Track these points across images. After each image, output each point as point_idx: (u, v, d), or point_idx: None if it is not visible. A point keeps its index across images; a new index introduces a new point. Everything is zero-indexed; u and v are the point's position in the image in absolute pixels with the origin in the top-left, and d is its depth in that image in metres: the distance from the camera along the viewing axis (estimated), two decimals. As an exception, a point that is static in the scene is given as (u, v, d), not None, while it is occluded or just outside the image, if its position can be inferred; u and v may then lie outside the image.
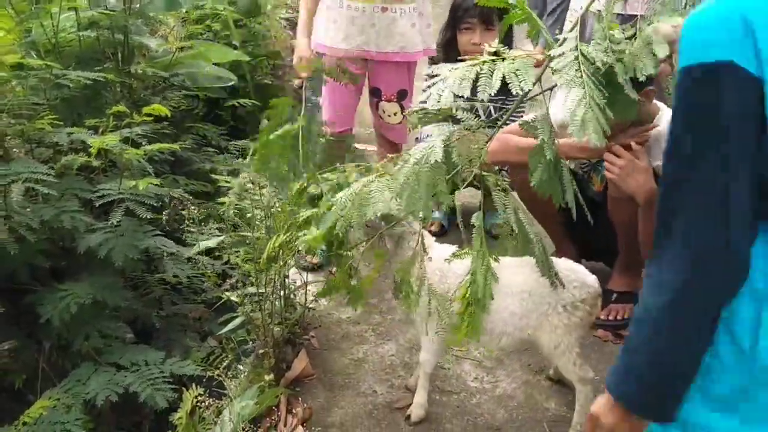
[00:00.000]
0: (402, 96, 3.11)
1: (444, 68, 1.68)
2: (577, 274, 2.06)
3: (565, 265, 2.08)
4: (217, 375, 2.57)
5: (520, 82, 1.54)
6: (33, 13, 3.36)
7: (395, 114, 3.14)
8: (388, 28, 2.91)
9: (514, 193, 2.51)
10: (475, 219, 1.70)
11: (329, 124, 3.09)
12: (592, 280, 2.08)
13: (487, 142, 1.76)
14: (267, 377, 2.46)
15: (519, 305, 2.03)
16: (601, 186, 2.58)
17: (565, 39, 1.58)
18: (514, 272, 1.99)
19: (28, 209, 2.50)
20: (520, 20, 1.71)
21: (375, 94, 3.13)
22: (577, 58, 1.51)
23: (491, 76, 1.57)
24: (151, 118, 2.83)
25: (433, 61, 3.13)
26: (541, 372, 2.44)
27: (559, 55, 1.53)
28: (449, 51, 3.09)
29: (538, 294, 2.01)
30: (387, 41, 2.94)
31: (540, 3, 4.01)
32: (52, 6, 3.19)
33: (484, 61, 1.62)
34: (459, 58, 3.01)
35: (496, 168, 2.62)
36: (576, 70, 1.48)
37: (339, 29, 2.92)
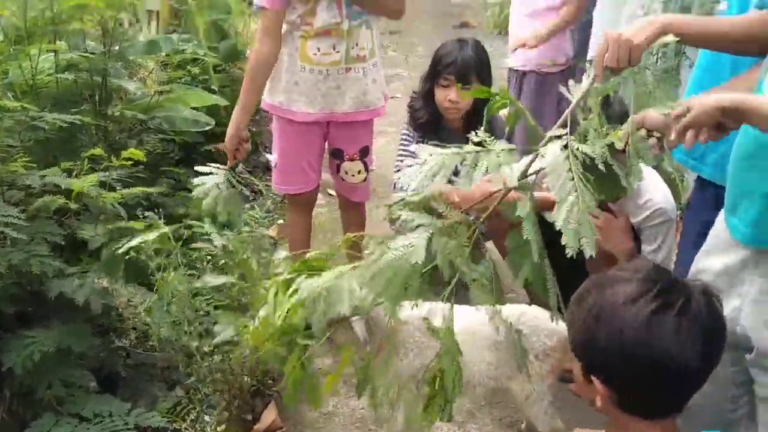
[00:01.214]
0: (364, 153, 3.08)
1: (425, 151, 1.67)
2: (547, 322, 2.06)
3: (535, 313, 2.09)
4: (184, 428, 2.52)
5: (510, 176, 1.56)
6: (11, 54, 3.35)
7: (359, 173, 3.09)
8: (353, 88, 2.89)
9: (490, 243, 2.53)
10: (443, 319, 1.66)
11: (291, 181, 3.05)
12: (562, 327, 2.08)
13: (469, 238, 1.71)
14: (234, 430, 2.42)
15: (493, 355, 2.03)
16: None
17: (556, 137, 1.60)
18: (487, 323, 1.98)
19: (-4, 253, 2.46)
20: (501, 106, 1.74)
21: (336, 155, 3.08)
22: (567, 157, 1.52)
23: (474, 167, 1.57)
24: (129, 162, 2.82)
25: (412, 107, 3.15)
26: (513, 426, 2.43)
27: (551, 155, 1.55)
28: (428, 101, 3.12)
29: (510, 344, 2.00)
30: (352, 101, 2.91)
31: None
32: (32, 48, 3.18)
33: (468, 152, 1.62)
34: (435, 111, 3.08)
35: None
36: (568, 170, 1.49)
37: (301, 93, 2.87)
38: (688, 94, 2.10)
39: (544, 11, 4.01)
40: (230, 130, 2.84)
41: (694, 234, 2.07)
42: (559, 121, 1.65)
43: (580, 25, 4.95)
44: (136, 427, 2.37)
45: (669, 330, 1.24)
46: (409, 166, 1.63)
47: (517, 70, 4.14)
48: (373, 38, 2.91)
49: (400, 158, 3.21)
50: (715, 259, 1.65)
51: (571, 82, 1.90)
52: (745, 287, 1.57)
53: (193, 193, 2.54)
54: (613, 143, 1.60)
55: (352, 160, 3.04)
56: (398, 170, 3.21)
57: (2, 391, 2.54)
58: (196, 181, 2.56)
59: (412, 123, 3.18)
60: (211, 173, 2.54)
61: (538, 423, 2.09)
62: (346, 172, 3.07)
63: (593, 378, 1.33)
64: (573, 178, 1.49)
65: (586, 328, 1.34)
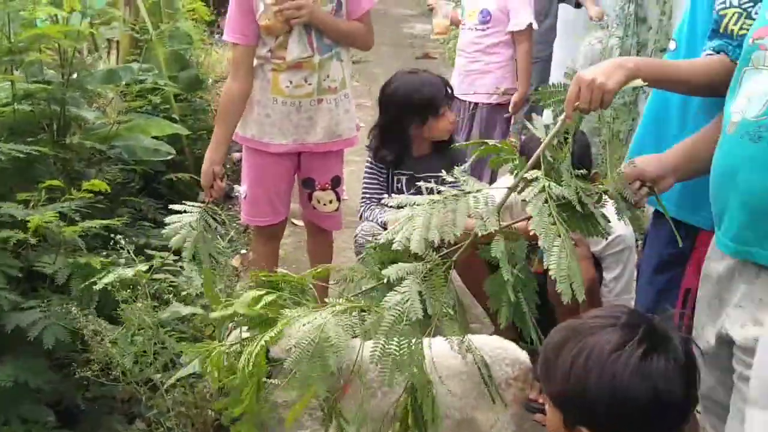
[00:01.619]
0: (336, 183, 3.11)
1: (408, 204, 1.68)
2: (508, 351, 2.09)
3: (496, 344, 2.11)
4: (146, 462, 2.46)
5: (485, 221, 1.58)
6: (-33, 83, 3.30)
7: (330, 202, 3.11)
8: (325, 119, 2.91)
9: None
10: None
11: (260, 213, 3.04)
12: (523, 356, 2.11)
13: (445, 275, 1.70)
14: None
15: (459, 386, 2.03)
16: (539, 267, 2.64)
17: (534, 178, 1.65)
18: (451, 354, 1.98)
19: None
20: (504, 161, 1.80)
21: (307, 185, 3.09)
22: (546, 201, 1.56)
23: (455, 213, 1.60)
24: (90, 194, 2.78)
25: (376, 148, 3.18)
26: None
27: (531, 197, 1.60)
28: (395, 139, 3.14)
29: (474, 373, 2.00)
30: (324, 132, 2.93)
31: None
32: (-10, 77, 3.14)
33: (447, 198, 1.64)
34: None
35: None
36: (548, 215, 1.53)
37: (273, 125, 2.89)
38: (643, 126, 2.17)
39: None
40: (204, 167, 2.86)
41: (650, 270, 2.13)
42: (532, 161, 1.71)
43: (541, 57, 5.13)
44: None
45: (659, 372, 1.28)
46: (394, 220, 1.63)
47: (468, 101, 4.34)
48: (344, 70, 2.94)
49: (366, 188, 3.23)
50: (714, 264, 1.72)
51: (535, 116, 1.95)
52: (731, 293, 1.64)
53: (164, 231, 2.45)
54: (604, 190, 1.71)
55: (323, 189, 3.06)
56: (363, 200, 3.23)
57: (-45, 429, 2.46)
58: (168, 219, 2.46)
59: (377, 159, 3.21)
60: (185, 211, 2.45)
61: None
62: (318, 201, 3.08)
63: (581, 429, 1.34)
64: (554, 222, 1.52)
65: (572, 378, 1.34)
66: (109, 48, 5.02)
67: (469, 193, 1.65)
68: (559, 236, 1.51)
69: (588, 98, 1.66)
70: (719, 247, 1.68)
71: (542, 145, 1.71)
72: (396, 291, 1.57)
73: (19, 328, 2.46)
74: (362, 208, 3.19)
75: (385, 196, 3.11)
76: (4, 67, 3.32)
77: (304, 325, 1.57)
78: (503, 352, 2.07)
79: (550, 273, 1.51)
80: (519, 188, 1.69)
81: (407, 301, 1.54)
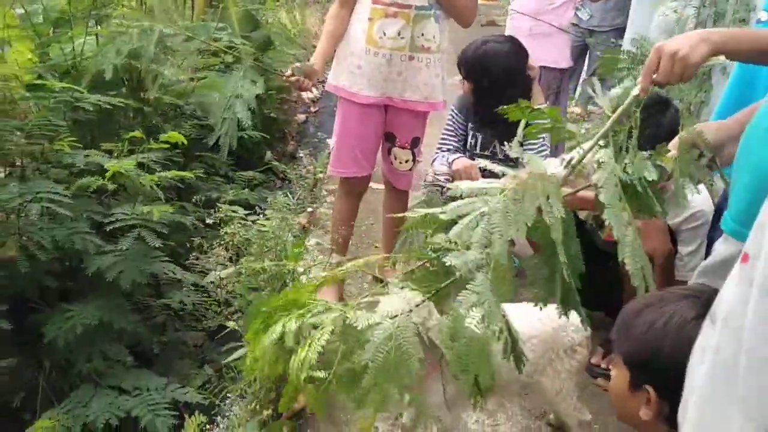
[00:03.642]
0: (415, 143, 3.14)
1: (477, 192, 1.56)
2: (572, 319, 2.08)
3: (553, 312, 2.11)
4: (217, 404, 2.58)
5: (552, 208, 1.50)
6: (53, 37, 3.42)
7: (406, 161, 3.16)
8: (414, 77, 2.93)
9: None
10: None
11: (346, 165, 3.10)
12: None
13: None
14: (266, 412, 2.46)
15: (529, 351, 2.05)
16: (609, 235, 2.63)
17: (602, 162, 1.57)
18: (521, 320, 2.01)
19: (41, 229, 2.52)
20: (544, 130, 1.74)
21: (389, 139, 3.15)
22: (616, 184, 1.51)
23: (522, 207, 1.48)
24: (167, 145, 2.88)
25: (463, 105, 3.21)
26: (542, 417, 2.46)
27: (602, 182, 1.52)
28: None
29: (543, 340, 2.04)
30: (412, 90, 2.96)
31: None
32: (76, 31, 3.25)
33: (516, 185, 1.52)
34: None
35: None
36: (619, 200, 1.49)
37: (363, 75, 2.93)
38: (725, 101, 2.11)
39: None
40: (306, 65, 2.97)
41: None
42: (600, 134, 1.61)
43: (614, 25, 5.03)
44: (172, 401, 2.43)
45: None
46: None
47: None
48: (440, 33, 2.96)
49: (442, 141, 3.26)
50: (724, 246, 1.69)
51: (596, 82, 1.85)
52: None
53: None
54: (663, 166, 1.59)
55: (402, 147, 3.11)
56: (439, 148, 3.27)
57: (41, 362, 2.61)
58: None
59: (460, 105, 3.25)
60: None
61: (567, 417, 2.13)
62: (395, 157, 3.15)
63: (648, 388, 1.36)
64: (624, 209, 1.49)
65: (649, 339, 1.37)
66: (184, 7, 5.12)
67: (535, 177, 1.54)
68: (629, 224, 1.48)
69: (668, 71, 1.56)
70: (725, 228, 1.63)
71: (610, 121, 1.61)
72: (470, 290, 1.45)
73: (99, 270, 2.58)
74: (434, 157, 3.24)
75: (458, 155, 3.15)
76: (87, 22, 3.43)
77: (374, 328, 1.46)
78: (568, 320, 2.07)
79: (626, 266, 1.48)
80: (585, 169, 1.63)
81: (483, 302, 1.43)
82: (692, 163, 1.63)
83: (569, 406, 2.10)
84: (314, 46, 3.27)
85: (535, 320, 1.99)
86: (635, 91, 1.62)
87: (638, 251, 1.46)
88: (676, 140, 1.65)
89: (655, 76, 1.59)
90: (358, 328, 1.45)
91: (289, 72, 2.84)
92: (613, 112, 1.64)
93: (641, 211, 1.62)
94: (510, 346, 1.64)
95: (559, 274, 1.54)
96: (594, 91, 1.77)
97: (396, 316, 1.48)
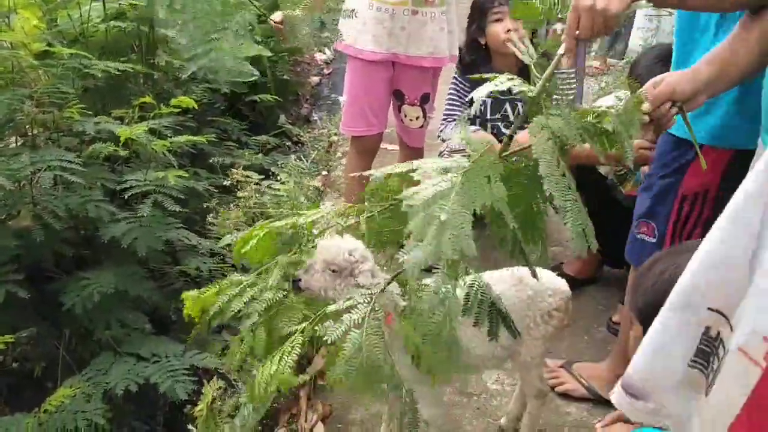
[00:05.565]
0: (425, 100, 3.10)
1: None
2: (549, 281, 1.99)
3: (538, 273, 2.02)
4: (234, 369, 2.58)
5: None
6: (60, 3, 3.37)
7: (417, 118, 3.13)
8: (418, 32, 2.89)
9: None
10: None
11: (356, 123, 3.07)
12: (563, 284, 2.00)
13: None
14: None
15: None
16: (632, 189, 2.57)
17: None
18: (497, 288, 1.82)
19: (54, 197, 2.51)
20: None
21: (398, 97, 3.11)
22: (553, 152, 1.36)
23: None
24: (178, 110, 2.84)
25: (461, 61, 3.13)
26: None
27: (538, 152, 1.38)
28: (475, 51, 3.12)
29: (519, 307, 1.93)
30: (417, 45, 2.92)
31: None
32: (82, -5, 3.20)
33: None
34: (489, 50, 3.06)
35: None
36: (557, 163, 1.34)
37: (367, 32, 2.90)
38: (676, 48, 2.03)
39: None
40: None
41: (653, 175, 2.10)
42: (530, 102, 1.48)
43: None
44: (191, 367, 2.43)
45: None
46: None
47: None
48: None
49: (448, 108, 3.20)
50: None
51: None
52: None
53: None
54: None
55: (412, 104, 3.08)
56: (444, 121, 3.22)
57: (61, 330, 2.62)
58: None
59: (461, 69, 3.18)
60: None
61: (528, 386, 2.05)
62: (405, 115, 3.12)
63: None
64: (564, 174, 1.35)
65: (656, 291, 1.33)
66: (192, -31, 5.03)
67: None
68: (569, 188, 1.39)
69: (589, 26, 1.46)
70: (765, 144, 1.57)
71: (541, 81, 1.48)
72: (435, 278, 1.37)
73: (115, 238, 2.57)
74: (441, 128, 3.19)
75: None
76: (95, -13, 3.37)
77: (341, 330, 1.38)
78: (545, 283, 1.99)
79: (569, 230, 1.40)
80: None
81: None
82: (666, 114, 1.55)
83: (536, 376, 2.03)
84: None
85: (512, 287, 1.92)
86: (561, 51, 1.51)
87: (579, 214, 1.38)
88: (652, 89, 1.55)
89: (577, 32, 1.48)
90: (327, 342, 1.37)
91: (278, 17, 2.81)
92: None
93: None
94: (497, 319, 1.61)
95: (511, 234, 1.43)
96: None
97: (363, 322, 1.38)
